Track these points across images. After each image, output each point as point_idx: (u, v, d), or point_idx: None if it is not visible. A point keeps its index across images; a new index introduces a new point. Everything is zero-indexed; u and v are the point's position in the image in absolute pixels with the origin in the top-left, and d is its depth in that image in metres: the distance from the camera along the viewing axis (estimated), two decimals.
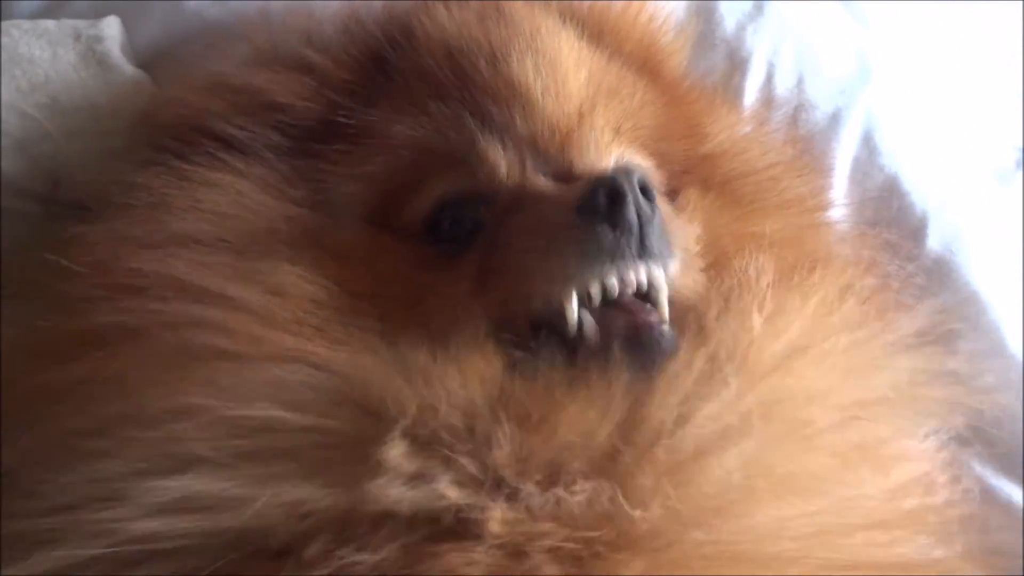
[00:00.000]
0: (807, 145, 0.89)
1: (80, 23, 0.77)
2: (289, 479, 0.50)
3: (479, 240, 0.62)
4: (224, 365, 0.55)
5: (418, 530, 0.50)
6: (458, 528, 0.50)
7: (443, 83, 0.67)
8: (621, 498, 0.51)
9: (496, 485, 0.51)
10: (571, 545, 0.50)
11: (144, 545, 0.50)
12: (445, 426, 0.52)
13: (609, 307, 0.58)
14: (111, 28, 0.78)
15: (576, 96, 0.67)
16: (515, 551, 0.50)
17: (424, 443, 0.52)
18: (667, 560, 0.51)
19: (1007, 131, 1.20)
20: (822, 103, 0.94)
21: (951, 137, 1.04)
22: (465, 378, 0.54)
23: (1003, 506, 0.82)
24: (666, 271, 0.59)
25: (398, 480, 0.50)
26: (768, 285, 0.63)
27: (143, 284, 0.58)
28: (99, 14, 0.80)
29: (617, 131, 0.68)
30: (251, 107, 0.68)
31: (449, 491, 0.50)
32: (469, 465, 0.51)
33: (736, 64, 0.93)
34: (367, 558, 0.49)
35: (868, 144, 0.94)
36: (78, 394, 0.56)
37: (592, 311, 0.58)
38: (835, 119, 0.94)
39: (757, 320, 0.60)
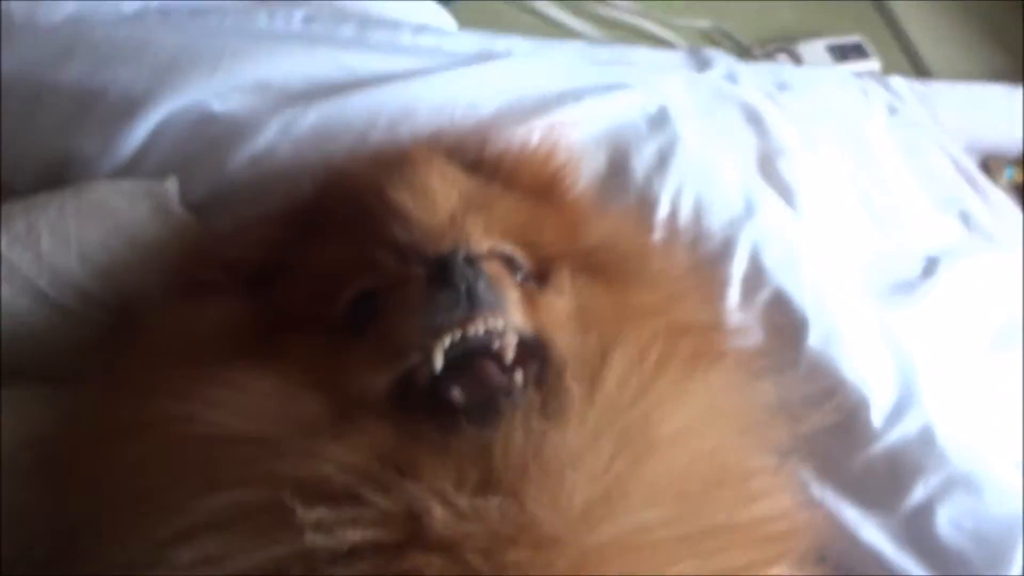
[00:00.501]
0: (704, 259, 1.09)
1: (149, 183, 1.00)
2: (253, 539, 0.63)
3: (376, 319, 0.77)
4: (203, 449, 0.69)
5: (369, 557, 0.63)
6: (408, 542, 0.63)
7: (346, 217, 0.87)
8: (524, 507, 0.63)
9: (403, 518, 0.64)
10: (494, 548, 0.62)
11: None
12: (340, 486, 0.64)
13: (469, 368, 0.72)
14: (172, 186, 1.01)
15: (445, 208, 0.83)
16: (457, 556, 0.62)
17: (330, 501, 0.63)
18: (569, 556, 0.63)
19: (915, 241, 1.38)
20: (716, 233, 1.13)
21: (837, 252, 1.23)
22: (352, 447, 0.66)
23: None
24: (505, 318, 0.74)
25: (315, 533, 0.62)
26: (602, 344, 0.77)
27: (150, 392, 0.75)
28: (161, 174, 1.03)
29: (485, 230, 0.82)
30: (219, 261, 0.89)
31: (353, 535, 0.62)
32: (366, 512, 0.63)
33: (646, 204, 1.13)
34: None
35: (755, 264, 1.11)
36: (112, 474, 0.71)
37: (457, 371, 0.73)
38: (727, 244, 1.12)
39: (611, 367, 0.75)
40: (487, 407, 0.72)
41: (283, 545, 0.64)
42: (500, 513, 0.65)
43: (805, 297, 1.13)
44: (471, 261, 0.76)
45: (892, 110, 1.72)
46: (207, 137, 1.07)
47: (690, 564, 0.64)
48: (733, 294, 1.12)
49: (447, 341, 0.74)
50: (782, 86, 1.58)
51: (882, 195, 1.44)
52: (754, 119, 1.38)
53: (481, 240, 0.83)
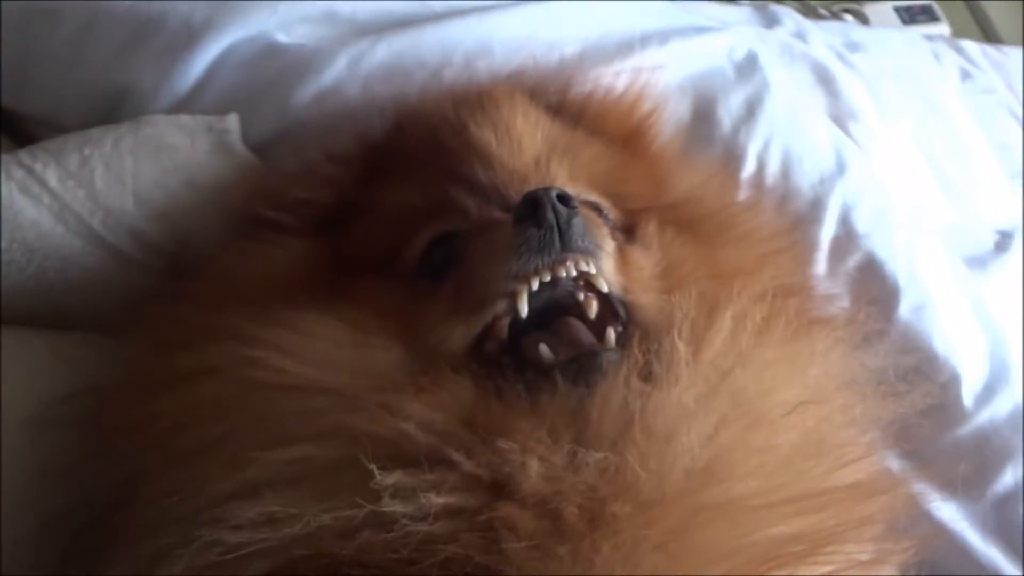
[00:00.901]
0: (793, 219, 1.03)
1: (211, 118, 0.95)
2: (323, 500, 0.60)
3: (455, 265, 0.74)
4: (271, 398, 0.66)
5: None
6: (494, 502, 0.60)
7: (424, 156, 0.83)
8: (627, 465, 0.60)
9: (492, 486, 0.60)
10: (592, 505, 0.59)
11: (240, 551, 0.59)
12: (422, 447, 0.61)
13: (553, 325, 0.69)
14: (234, 123, 0.95)
15: (530, 150, 0.81)
16: (549, 511, 0.59)
17: (409, 464, 0.60)
18: (669, 518, 0.60)
19: (989, 216, 1.33)
20: (804, 191, 1.08)
21: (925, 220, 1.16)
22: (434, 405, 0.64)
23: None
24: (597, 266, 0.70)
25: (396, 499, 0.59)
26: (704, 304, 0.73)
27: (213, 336, 0.71)
28: (222, 110, 0.98)
29: (571, 177, 0.80)
30: (287, 202, 0.85)
31: (435, 501, 0.59)
32: (450, 476, 0.60)
33: (732, 157, 1.07)
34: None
35: (845, 225, 1.07)
36: (170, 423, 0.68)
37: (541, 328, 0.68)
38: (816, 203, 1.07)
39: (717, 328, 0.70)
40: (581, 365, 0.68)
41: (356, 508, 0.60)
42: (600, 469, 0.61)
43: (898, 263, 1.07)
44: (565, 199, 0.71)
45: (965, 75, 1.65)
46: (271, 71, 1.01)
47: (782, 526, 0.62)
48: (821, 257, 1.07)
49: (535, 284, 0.69)
50: (852, 46, 1.50)
51: (954, 164, 1.38)
52: (825, 79, 1.31)
53: (566, 186, 0.78)
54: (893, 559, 0.68)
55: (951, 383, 1.01)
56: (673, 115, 1.04)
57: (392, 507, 0.59)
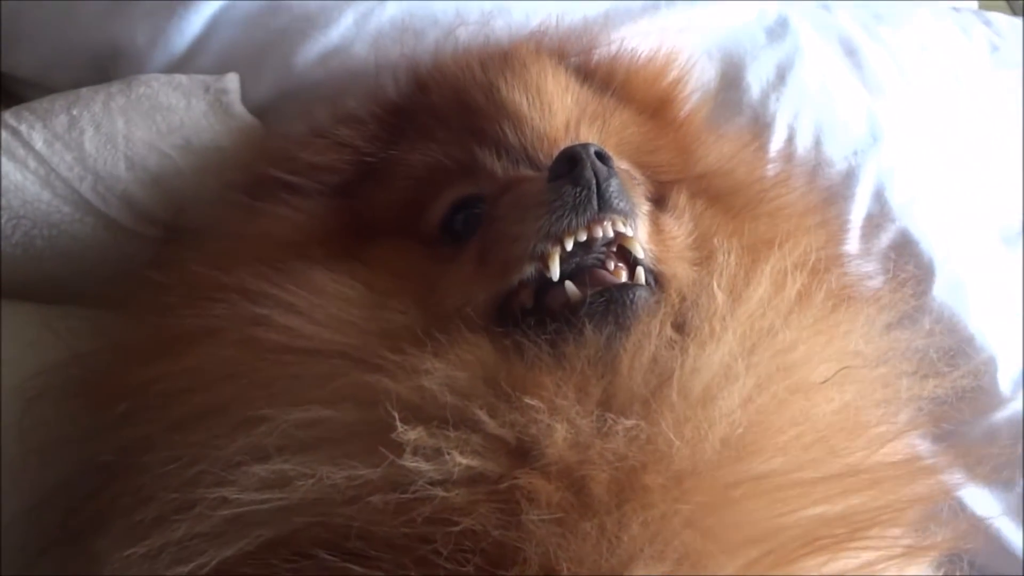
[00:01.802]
0: (827, 193, 0.98)
1: (208, 78, 0.89)
2: (338, 461, 0.57)
3: (479, 228, 0.71)
4: (280, 360, 0.63)
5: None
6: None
7: (448, 115, 0.80)
8: (660, 432, 0.57)
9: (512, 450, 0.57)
10: (619, 475, 0.55)
11: (249, 508, 0.57)
12: (445, 406, 0.58)
13: (590, 269, 0.65)
14: (233, 83, 0.90)
15: (561, 114, 0.78)
16: (574, 481, 0.55)
17: (432, 422, 0.57)
18: (702, 493, 0.56)
19: (1015, 196, 1.25)
20: (837, 162, 1.02)
21: (958, 196, 1.11)
22: (456, 364, 0.61)
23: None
24: (633, 229, 0.67)
25: (417, 456, 0.56)
26: (741, 262, 0.69)
27: (218, 295, 0.67)
28: (221, 71, 0.92)
29: (601, 143, 0.75)
30: (297, 164, 0.80)
31: (461, 459, 0.56)
32: (473, 437, 0.57)
33: (761, 127, 1.02)
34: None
35: (879, 200, 1.02)
36: (171, 387, 0.65)
37: (573, 277, 0.65)
38: (849, 176, 1.02)
39: (754, 286, 0.67)
40: (611, 298, 0.64)
41: (372, 467, 0.56)
42: (630, 437, 0.57)
43: (933, 241, 1.02)
44: (603, 157, 0.67)
45: (993, 48, 1.57)
46: (273, 28, 0.95)
47: (821, 508, 0.59)
48: (854, 232, 1.02)
49: (569, 243, 0.65)
50: (878, 18, 1.43)
51: (982, 140, 1.30)
52: (850, 50, 1.24)
53: None
54: (930, 550, 0.66)
55: (987, 366, 0.97)
56: (700, 81, 0.98)
57: (415, 463, 0.55)
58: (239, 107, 0.89)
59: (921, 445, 0.79)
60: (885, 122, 1.09)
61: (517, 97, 0.78)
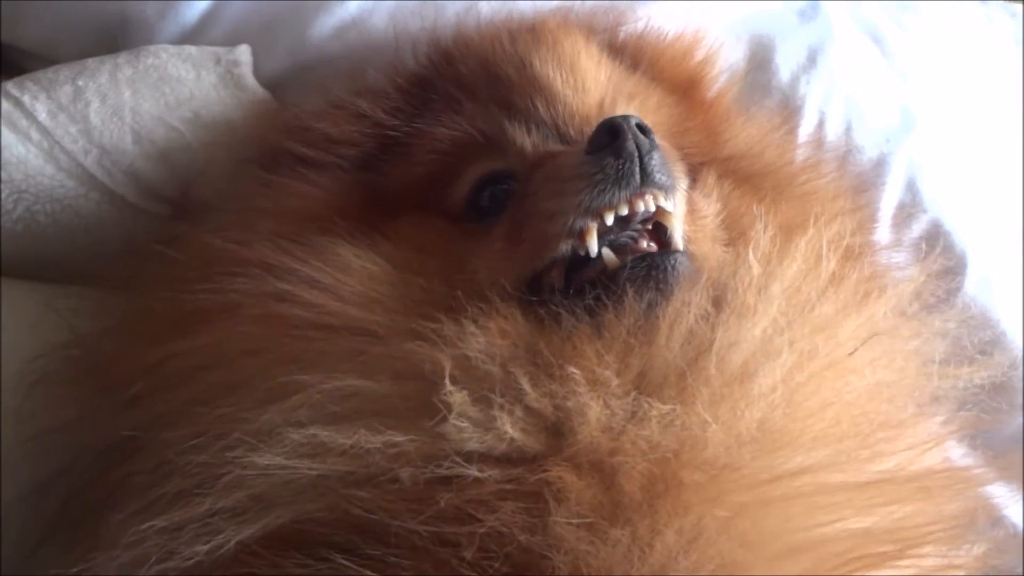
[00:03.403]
0: (856, 181, 0.95)
1: (219, 49, 0.86)
2: (375, 430, 0.55)
3: (509, 204, 0.69)
4: (306, 335, 0.61)
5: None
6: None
7: (476, 88, 0.77)
8: (695, 414, 0.55)
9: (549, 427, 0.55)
10: (652, 468, 0.53)
11: (277, 477, 0.55)
12: (489, 374, 0.57)
13: (625, 247, 0.64)
14: (245, 55, 0.87)
15: (595, 91, 0.76)
16: (605, 475, 0.53)
17: (476, 392, 0.56)
18: (738, 491, 0.54)
19: None
20: (868, 149, 0.99)
21: (987, 189, 1.08)
22: (496, 332, 0.59)
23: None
24: (673, 204, 0.65)
25: (464, 422, 0.54)
26: (773, 236, 0.68)
27: (237, 269, 0.65)
28: (233, 43, 0.89)
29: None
30: (316, 138, 0.78)
31: (509, 430, 0.54)
32: (516, 408, 0.55)
33: (791, 110, 0.98)
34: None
35: (911, 189, 0.99)
36: (188, 364, 0.63)
37: (611, 246, 0.63)
38: (880, 164, 0.99)
39: (790, 260, 0.65)
40: (652, 264, 0.62)
41: (408, 436, 0.54)
42: (665, 424, 0.55)
43: (966, 233, 0.99)
44: (644, 130, 0.64)
45: (1019, 40, 1.54)
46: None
47: (868, 520, 0.56)
48: (884, 222, 0.98)
49: (609, 218, 0.63)
50: (904, 7, 1.40)
51: (1005, 131, 1.25)
52: (877, 39, 1.20)
53: None
54: (968, 564, 0.63)
55: (1018, 365, 0.92)
56: (727, 62, 0.94)
57: (459, 423, 0.54)
58: (251, 80, 0.86)
59: (954, 450, 0.76)
60: (918, 111, 1.05)
61: (551, 72, 0.75)
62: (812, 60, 1.02)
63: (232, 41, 0.89)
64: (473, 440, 0.54)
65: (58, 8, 0.94)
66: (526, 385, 0.56)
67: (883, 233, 0.97)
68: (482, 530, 0.51)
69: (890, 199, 0.99)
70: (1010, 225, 1.07)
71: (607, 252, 0.63)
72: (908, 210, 0.99)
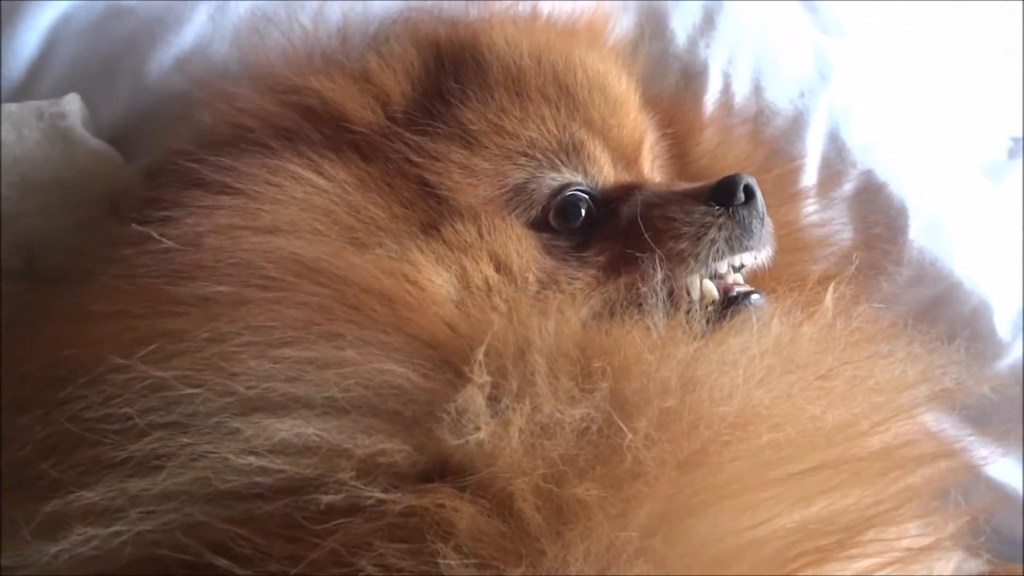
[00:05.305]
0: (773, 146, 0.91)
1: (42, 103, 0.79)
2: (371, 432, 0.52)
3: (606, 232, 0.70)
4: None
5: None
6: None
7: (542, 91, 0.73)
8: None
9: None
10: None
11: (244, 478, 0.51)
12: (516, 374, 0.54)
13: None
14: (72, 104, 0.79)
15: (637, 128, 0.78)
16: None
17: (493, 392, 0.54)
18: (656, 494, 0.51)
19: (998, 123, 1.19)
20: (783, 107, 0.93)
21: (927, 132, 1.02)
22: (558, 323, 0.59)
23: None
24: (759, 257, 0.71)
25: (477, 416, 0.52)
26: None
27: (248, 262, 0.59)
28: (69, 91, 0.81)
29: (654, 159, 0.81)
30: (328, 119, 0.71)
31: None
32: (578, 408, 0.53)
33: (691, 78, 0.93)
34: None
35: (835, 142, 0.93)
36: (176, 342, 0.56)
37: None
38: (797, 122, 0.93)
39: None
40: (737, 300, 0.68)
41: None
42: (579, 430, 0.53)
43: (903, 182, 0.92)
44: (752, 191, 0.70)
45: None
46: (118, 37, 0.84)
47: (803, 510, 0.52)
48: (809, 182, 0.92)
49: (724, 266, 0.69)
50: None
51: (958, 71, 1.21)
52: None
53: (652, 164, 0.82)
54: (945, 540, 0.61)
55: (980, 312, 0.90)
56: (614, 32, 0.87)
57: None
58: (80, 131, 0.78)
59: (927, 422, 0.71)
60: (835, 58, 0.99)
61: (624, 96, 0.77)
62: (709, 20, 0.96)
63: (69, 90, 0.82)
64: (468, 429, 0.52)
65: None
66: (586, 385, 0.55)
67: (810, 192, 0.91)
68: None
69: (813, 156, 0.93)
70: (957, 167, 1.01)
71: (708, 284, 0.69)
72: (836, 165, 0.93)
